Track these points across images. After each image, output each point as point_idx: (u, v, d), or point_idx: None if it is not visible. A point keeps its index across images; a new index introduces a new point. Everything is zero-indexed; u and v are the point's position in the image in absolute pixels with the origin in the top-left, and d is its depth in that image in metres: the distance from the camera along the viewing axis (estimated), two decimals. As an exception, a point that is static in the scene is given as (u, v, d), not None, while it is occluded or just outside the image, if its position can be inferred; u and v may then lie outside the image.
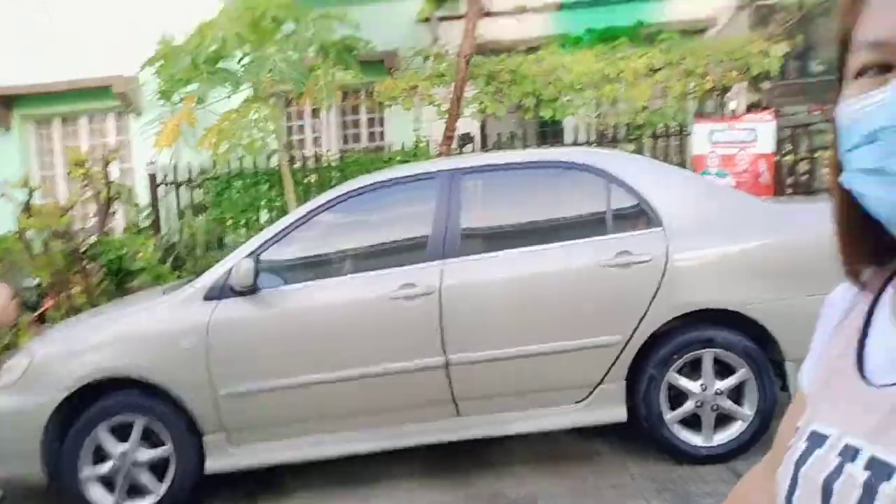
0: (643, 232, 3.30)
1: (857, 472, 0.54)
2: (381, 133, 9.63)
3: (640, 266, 3.21)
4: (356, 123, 9.85)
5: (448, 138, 6.27)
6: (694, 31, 8.72)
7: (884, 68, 0.53)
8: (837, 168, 0.60)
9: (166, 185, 7.31)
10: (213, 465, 3.40)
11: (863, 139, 0.54)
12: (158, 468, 3.44)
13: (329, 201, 3.57)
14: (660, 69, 6.69)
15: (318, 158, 7.19)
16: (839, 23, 0.59)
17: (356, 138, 9.66)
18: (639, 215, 3.35)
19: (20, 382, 3.44)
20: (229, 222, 6.98)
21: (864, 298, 0.65)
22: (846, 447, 0.57)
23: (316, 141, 9.51)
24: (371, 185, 3.59)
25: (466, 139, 6.79)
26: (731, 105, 8.08)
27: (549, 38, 8.61)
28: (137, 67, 6.75)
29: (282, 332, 3.41)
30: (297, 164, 7.26)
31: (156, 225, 7.17)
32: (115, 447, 3.40)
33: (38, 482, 3.45)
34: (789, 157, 6.80)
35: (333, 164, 7.11)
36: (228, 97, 6.18)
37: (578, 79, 6.61)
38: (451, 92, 7.03)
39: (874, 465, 0.53)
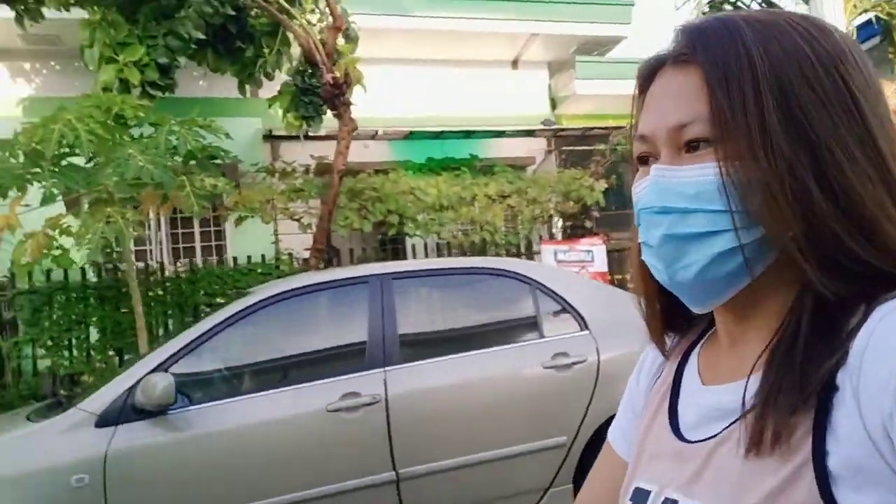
0: (573, 334, 3.47)
1: None
2: (219, 247, 9.11)
3: (577, 367, 3.35)
4: (189, 237, 9.21)
5: (318, 251, 6.13)
6: (517, 166, 9.79)
7: (652, 157, 0.63)
8: (637, 246, 0.67)
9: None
10: None
11: (638, 218, 0.64)
12: None
13: (247, 308, 3.25)
14: (508, 196, 7.34)
15: (163, 271, 6.56)
16: (631, 119, 0.70)
17: (190, 252, 8.99)
18: (566, 319, 3.53)
19: None
20: (49, 344, 5.95)
21: (672, 362, 0.73)
22: (665, 500, 0.62)
23: (140, 254, 8.67)
24: (295, 290, 3.36)
25: (332, 252, 6.71)
26: (555, 230, 9.06)
27: (391, 163, 9.08)
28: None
29: (201, 459, 2.92)
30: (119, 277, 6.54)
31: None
32: None
33: None
34: (619, 276, 7.70)
35: (182, 275, 6.52)
36: (53, 201, 5.51)
37: (438, 200, 6.98)
38: (309, 206, 6.99)
39: None
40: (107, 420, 2.87)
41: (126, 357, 6.12)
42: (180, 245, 9.08)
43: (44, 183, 4.47)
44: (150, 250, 8.69)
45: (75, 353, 6.03)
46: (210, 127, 5.28)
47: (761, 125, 0.55)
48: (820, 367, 0.53)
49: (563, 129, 9.83)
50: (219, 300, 6.39)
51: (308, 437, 3.03)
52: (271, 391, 3.11)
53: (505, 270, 3.62)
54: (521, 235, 7.25)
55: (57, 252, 6.10)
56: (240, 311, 3.21)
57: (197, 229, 9.17)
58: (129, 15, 5.55)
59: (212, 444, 2.95)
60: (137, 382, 2.92)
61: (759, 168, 0.55)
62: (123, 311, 6.26)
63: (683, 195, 0.58)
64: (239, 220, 6.42)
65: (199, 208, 5.05)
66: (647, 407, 0.72)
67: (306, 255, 6.65)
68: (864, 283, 0.55)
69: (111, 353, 6.09)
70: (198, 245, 9.12)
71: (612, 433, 0.81)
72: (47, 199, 4.73)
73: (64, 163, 5.17)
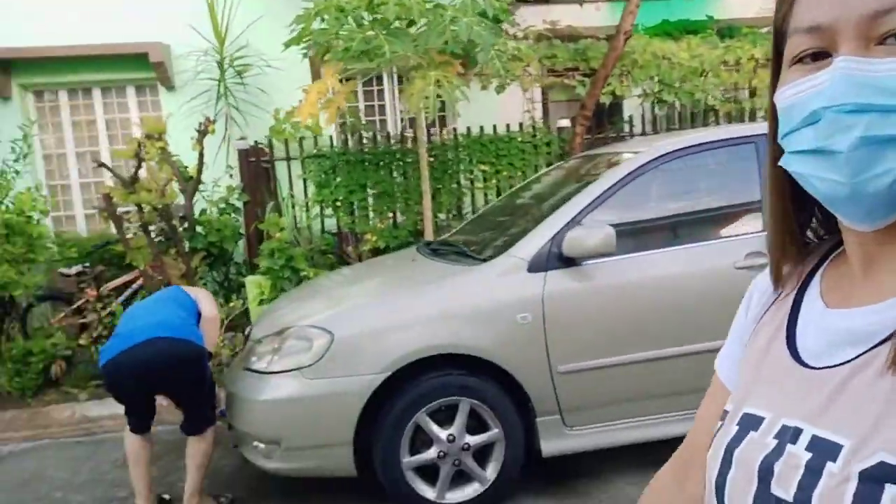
0: None
1: (799, 453, 0.55)
2: (441, 118, 9.33)
3: None
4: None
5: (585, 118, 6.13)
6: (752, 27, 9.00)
7: (819, 54, 0.54)
8: (774, 158, 0.61)
9: (259, 162, 6.74)
10: (548, 448, 3.13)
11: (803, 122, 0.55)
12: (478, 454, 3.14)
13: (642, 166, 3.35)
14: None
15: (429, 137, 6.87)
16: (776, 12, 0.60)
17: (410, 122, 9.26)
18: None
19: (320, 365, 3.04)
20: (337, 204, 6.53)
21: (790, 288, 0.68)
22: (784, 428, 0.57)
23: (371, 124, 9.09)
24: (688, 147, 3.41)
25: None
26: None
27: (613, 27, 8.65)
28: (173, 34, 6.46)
29: (614, 305, 3.18)
30: (393, 144, 6.89)
31: (251, 206, 6.60)
32: (441, 433, 3.06)
33: (345, 474, 3.07)
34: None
35: (447, 144, 6.79)
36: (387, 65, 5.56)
37: (701, 65, 6.64)
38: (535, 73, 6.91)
39: (817, 445, 0.53)
40: (536, 266, 3.16)
41: (399, 219, 6.61)
42: (405, 116, 9.38)
43: (384, 47, 4.68)
44: (383, 120, 9.09)
45: (357, 214, 6.58)
46: (502, -10, 5.23)
47: None
48: None
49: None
50: (481, 167, 6.66)
51: (716, 292, 3.17)
52: (680, 246, 3.26)
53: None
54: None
55: (310, 122, 6.53)
56: (639, 167, 3.32)
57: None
58: None
59: (627, 293, 3.19)
60: (557, 233, 3.17)
61: None
62: (395, 176, 6.69)
63: (886, 91, 0.50)
64: (500, 88, 6.49)
65: (504, 72, 5.13)
66: (757, 334, 0.69)
67: (560, 123, 6.68)
68: None
69: (389, 214, 6.59)
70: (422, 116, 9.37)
71: (720, 362, 0.77)
72: (383, 63, 4.93)
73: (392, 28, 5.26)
